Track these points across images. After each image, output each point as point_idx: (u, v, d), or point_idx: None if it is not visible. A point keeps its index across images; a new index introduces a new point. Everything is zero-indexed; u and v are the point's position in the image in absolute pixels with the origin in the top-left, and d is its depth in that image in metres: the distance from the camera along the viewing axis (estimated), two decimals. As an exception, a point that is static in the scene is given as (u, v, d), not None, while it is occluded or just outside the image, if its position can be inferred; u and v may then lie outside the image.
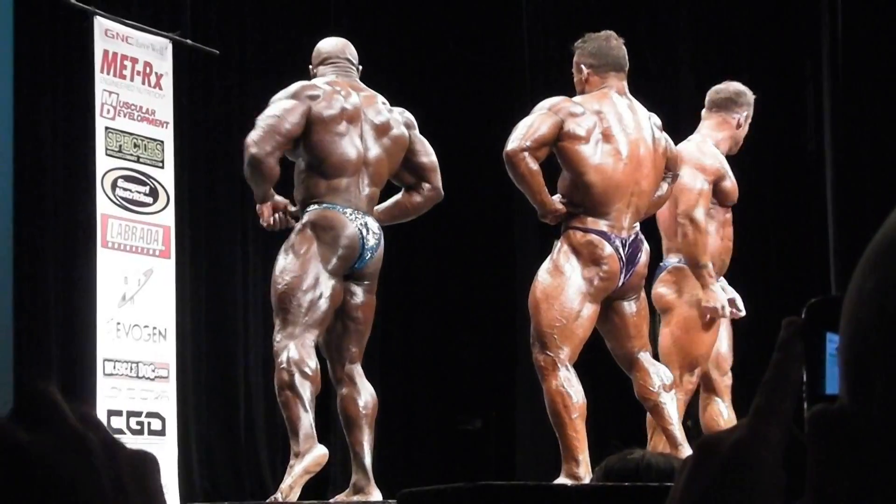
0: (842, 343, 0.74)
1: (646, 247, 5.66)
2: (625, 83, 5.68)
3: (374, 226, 5.64)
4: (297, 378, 5.41)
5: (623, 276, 5.52)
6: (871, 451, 0.70)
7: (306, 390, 5.41)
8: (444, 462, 9.44)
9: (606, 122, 5.52)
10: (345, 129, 5.63)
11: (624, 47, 5.71)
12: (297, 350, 5.43)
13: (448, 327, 9.71)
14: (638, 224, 5.63)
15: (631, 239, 5.55)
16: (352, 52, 5.95)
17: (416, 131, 5.90)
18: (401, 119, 5.83)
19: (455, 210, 9.06)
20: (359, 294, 5.66)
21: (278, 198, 5.62)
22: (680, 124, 8.57)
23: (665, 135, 5.77)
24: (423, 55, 9.69)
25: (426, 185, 5.85)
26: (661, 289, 6.16)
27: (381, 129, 5.72)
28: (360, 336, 5.69)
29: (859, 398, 0.72)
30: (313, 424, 5.43)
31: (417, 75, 9.36)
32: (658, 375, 5.58)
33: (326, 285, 5.52)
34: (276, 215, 5.60)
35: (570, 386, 5.38)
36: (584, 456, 5.35)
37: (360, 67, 5.95)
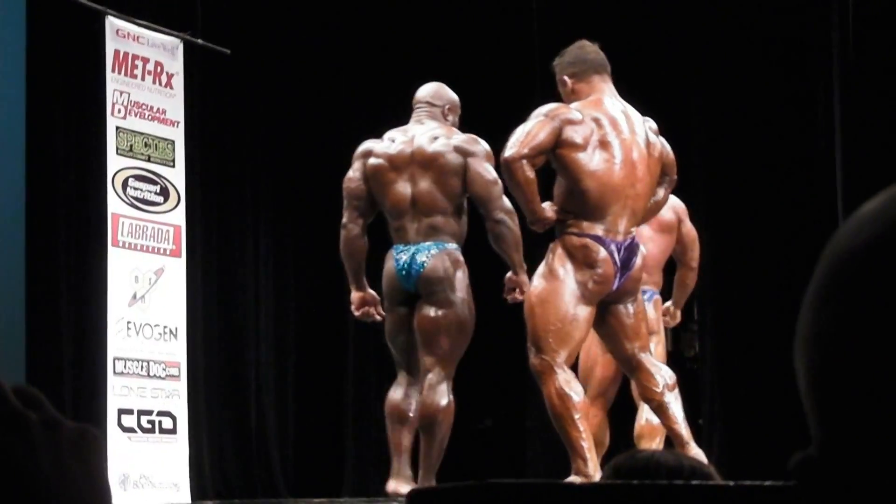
0: (808, 385, 0.71)
1: (642, 250, 5.66)
2: (611, 86, 5.66)
3: (423, 250, 5.91)
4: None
5: (617, 280, 5.51)
6: (860, 489, 0.68)
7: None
8: (454, 461, 9.43)
9: (603, 130, 5.51)
10: (394, 177, 5.96)
11: (601, 51, 5.70)
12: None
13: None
14: (634, 229, 5.62)
15: (626, 243, 5.54)
16: (429, 91, 6.24)
17: (475, 158, 5.94)
18: (451, 145, 5.97)
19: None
20: (421, 309, 5.96)
21: (370, 291, 6.10)
22: (690, 124, 8.58)
23: (661, 139, 5.76)
24: (432, 57, 9.68)
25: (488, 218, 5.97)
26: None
27: (427, 163, 5.95)
28: (424, 346, 5.94)
29: (837, 437, 0.69)
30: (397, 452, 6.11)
31: (426, 77, 9.34)
32: (661, 375, 5.58)
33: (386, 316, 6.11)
34: (364, 309, 6.11)
35: (569, 387, 5.40)
36: (591, 454, 5.36)
37: (444, 106, 6.16)
